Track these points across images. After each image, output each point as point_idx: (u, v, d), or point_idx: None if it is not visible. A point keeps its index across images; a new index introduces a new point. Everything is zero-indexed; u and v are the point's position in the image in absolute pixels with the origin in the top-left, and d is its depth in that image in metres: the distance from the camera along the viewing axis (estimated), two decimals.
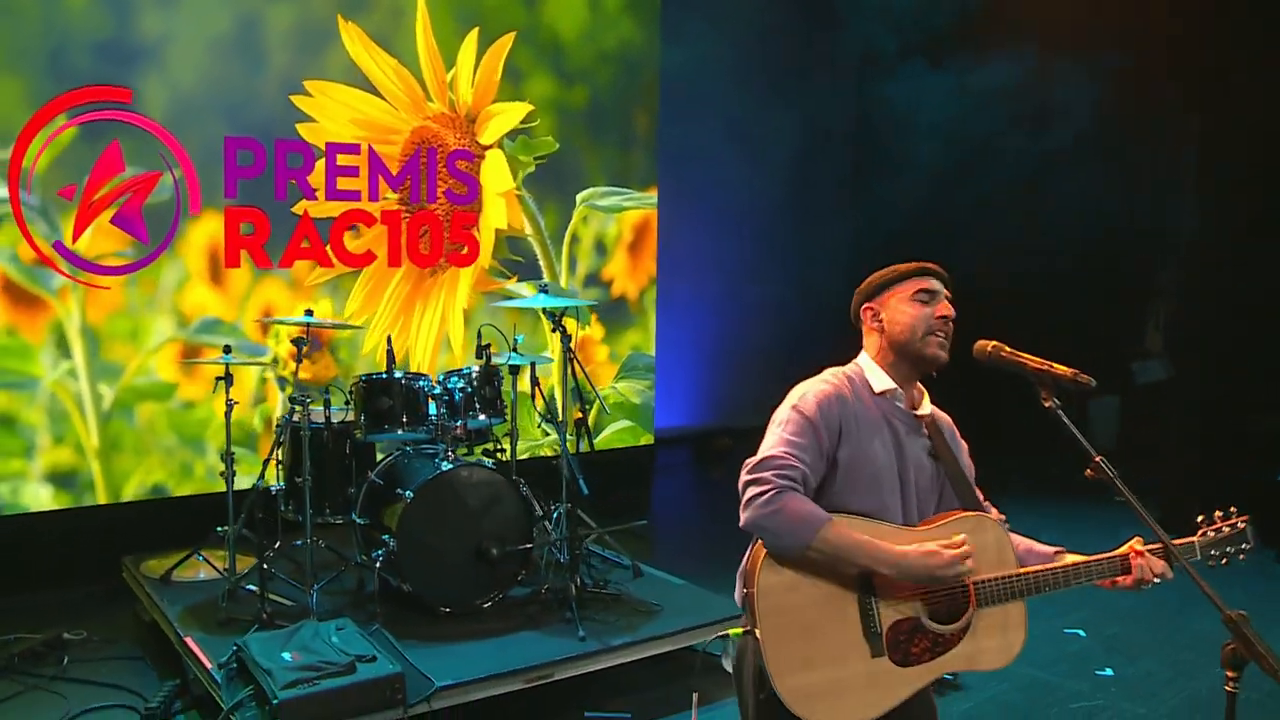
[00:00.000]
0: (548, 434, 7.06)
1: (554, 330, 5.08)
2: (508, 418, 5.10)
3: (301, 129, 6.22)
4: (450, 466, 4.63)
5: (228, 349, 4.84)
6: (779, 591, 2.34)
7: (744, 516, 2.34)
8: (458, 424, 4.82)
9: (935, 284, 2.51)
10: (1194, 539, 2.55)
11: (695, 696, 3.03)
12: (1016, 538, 2.56)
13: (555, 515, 5.01)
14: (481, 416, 4.93)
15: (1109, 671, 5.12)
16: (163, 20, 5.81)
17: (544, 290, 5.16)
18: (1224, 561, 2.55)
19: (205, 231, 6.01)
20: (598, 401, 5.40)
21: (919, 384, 2.58)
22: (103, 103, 5.68)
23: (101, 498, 5.83)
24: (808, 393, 2.44)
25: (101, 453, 5.83)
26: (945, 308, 2.49)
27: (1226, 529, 2.56)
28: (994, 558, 2.45)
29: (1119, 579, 2.47)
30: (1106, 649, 5.33)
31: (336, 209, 6.37)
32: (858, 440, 2.41)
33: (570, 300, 5.14)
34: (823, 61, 8.96)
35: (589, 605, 4.79)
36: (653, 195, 7.63)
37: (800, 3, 8.97)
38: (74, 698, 4.42)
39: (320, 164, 6.30)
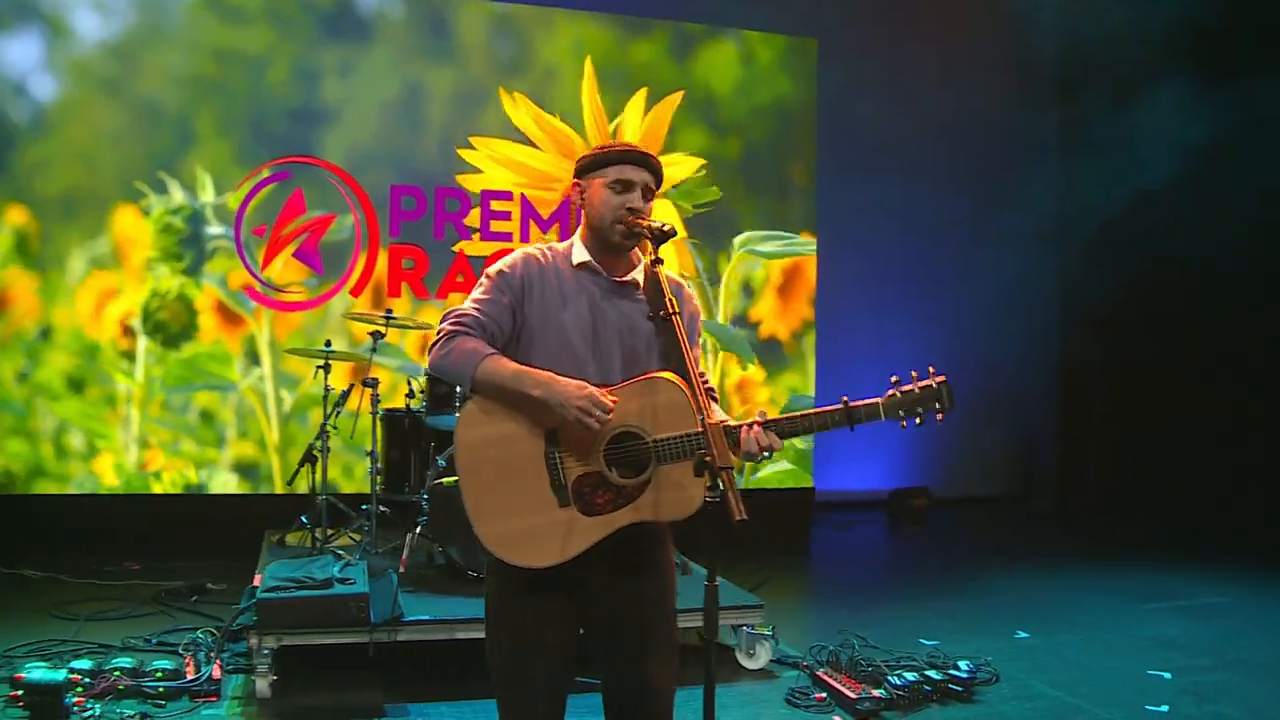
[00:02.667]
0: None
1: None
2: None
3: (460, 178, 7.15)
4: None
5: (328, 343, 5.71)
6: (476, 448, 2.54)
7: (428, 362, 2.64)
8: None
9: (637, 175, 2.56)
10: (878, 400, 2.53)
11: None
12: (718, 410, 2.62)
13: None
14: None
15: (1164, 708, 4.64)
16: (342, 88, 7.03)
17: None
18: (918, 421, 2.50)
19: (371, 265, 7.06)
20: None
21: (636, 251, 2.67)
22: (296, 164, 6.93)
23: (277, 488, 6.88)
24: (504, 258, 2.68)
25: (280, 449, 6.91)
26: (635, 200, 2.54)
27: (919, 389, 2.50)
28: (671, 417, 2.48)
29: (736, 451, 2.47)
30: (1180, 690, 4.82)
31: (490, 248, 7.21)
32: (543, 303, 2.57)
33: None
34: (1009, 91, 8.83)
35: None
36: (811, 241, 7.86)
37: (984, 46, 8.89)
38: (181, 621, 5.34)
39: (476, 209, 7.20)
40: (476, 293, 2.61)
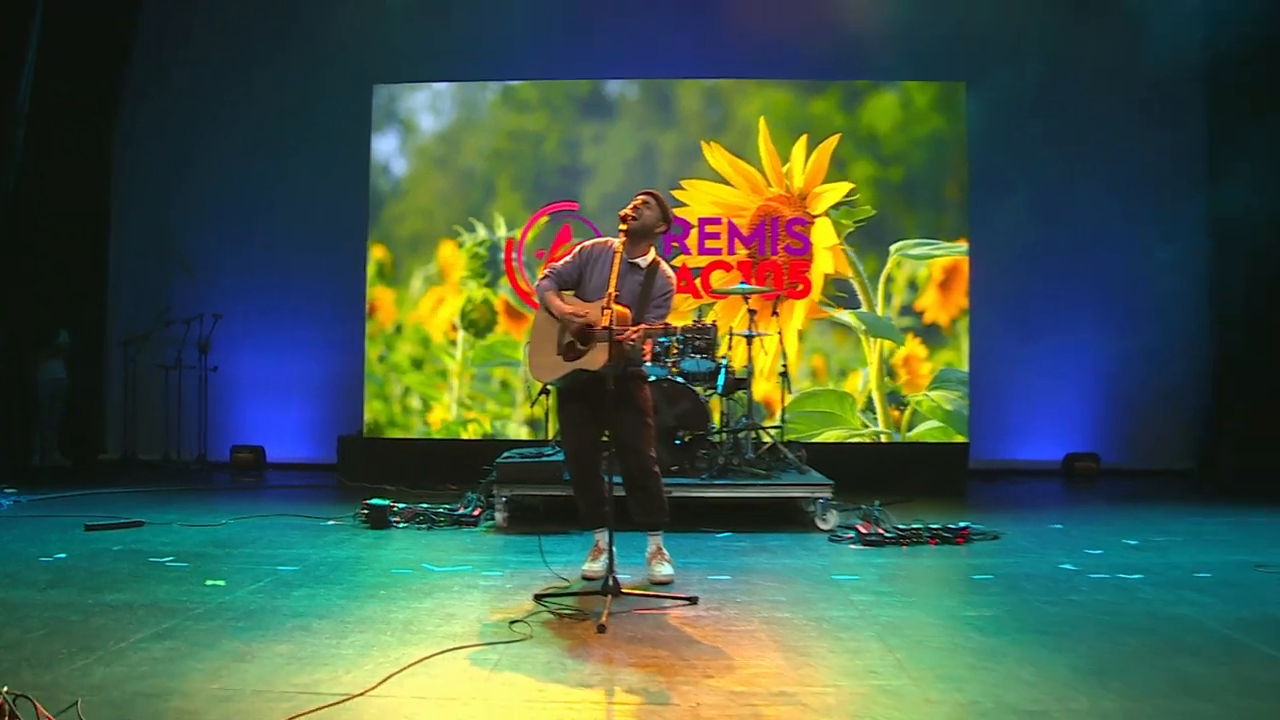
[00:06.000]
0: (866, 425, 9.45)
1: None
2: (717, 362, 7.80)
3: (681, 211, 9.65)
4: (654, 379, 7.55)
5: None
6: (537, 328, 5.27)
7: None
8: (670, 361, 7.70)
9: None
10: (645, 325, 4.83)
11: None
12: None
13: (742, 421, 7.62)
14: (694, 358, 7.74)
15: (1133, 541, 6.46)
16: (596, 151, 9.77)
17: (743, 283, 7.89)
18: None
19: None
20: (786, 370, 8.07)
21: (644, 247, 5.19)
22: (562, 212, 9.75)
23: (548, 434, 9.60)
24: (586, 241, 5.27)
25: (551, 410, 9.62)
26: (625, 210, 5.14)
27: (664, 326, 4.88)
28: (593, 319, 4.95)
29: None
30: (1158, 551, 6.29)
31: (704, 260, 9.63)
32: (592, 270, 5.19)
33: (745, 288, 7.80)
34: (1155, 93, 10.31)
35: (738, 473, 7.28)
36: (960, 245, 9.62)
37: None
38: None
39: (694, 232, 9.65)
40: (566, 257, 5.27)
